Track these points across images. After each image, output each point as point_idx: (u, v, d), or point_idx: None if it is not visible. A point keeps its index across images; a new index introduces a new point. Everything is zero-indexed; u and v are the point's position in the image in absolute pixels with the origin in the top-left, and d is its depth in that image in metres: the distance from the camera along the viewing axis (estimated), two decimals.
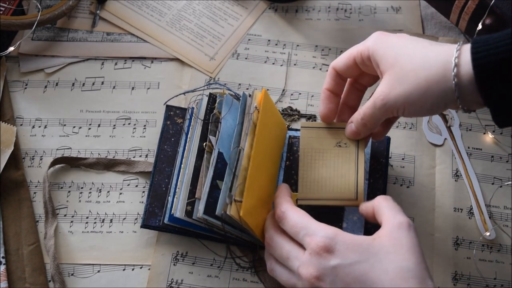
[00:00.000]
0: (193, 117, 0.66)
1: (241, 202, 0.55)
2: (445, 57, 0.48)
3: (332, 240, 0.48)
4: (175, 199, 0.62)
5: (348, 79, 0.61)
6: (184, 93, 0.72)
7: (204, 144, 0.63)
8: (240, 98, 0.63)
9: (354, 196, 0.59)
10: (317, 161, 0.61)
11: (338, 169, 0.60)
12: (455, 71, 0.47)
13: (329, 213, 0.62)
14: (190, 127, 0.66)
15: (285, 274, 0.53)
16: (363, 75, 0.59)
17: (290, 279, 0.53)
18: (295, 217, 0.53)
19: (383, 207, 0.52)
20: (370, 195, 0.64)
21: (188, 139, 0.65)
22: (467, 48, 0.47)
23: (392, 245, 0.47)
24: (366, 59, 0.54)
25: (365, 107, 0.55)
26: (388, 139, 0.67)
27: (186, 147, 0.65)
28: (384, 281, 0.46)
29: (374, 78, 0.59)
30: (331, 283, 0.47)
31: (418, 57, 0.50)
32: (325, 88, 0.60)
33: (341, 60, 0.58)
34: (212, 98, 0.65)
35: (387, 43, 0.53)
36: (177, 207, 0.61)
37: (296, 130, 0.69)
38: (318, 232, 0.49)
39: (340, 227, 0.62)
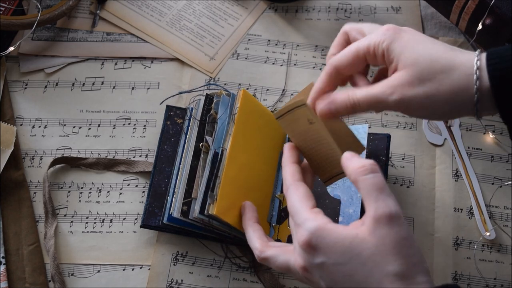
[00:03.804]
0: (191, 118, 0.66)
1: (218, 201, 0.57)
2: (468, 68, 0.47)
3: (314, 235, 0.45)
4: (173, 199, 0.63)
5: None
6: (179, 93, 0.72)
7: (201, 144, 0.63)
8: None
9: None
10: (306, 143, 0.56)
11: (323, 145, 0.55)
12: (477, 84, 0.46)
13: (325, 207, 0.63)
14: (189, 127, 0.66)
15: (281, 256, 0.52)
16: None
17: (287, 260, 0.52)
18: (292, 198, 0.51)
19: (362, 192, 0.47)
20: None
21: (186, 139, 0.65)
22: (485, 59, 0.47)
23: (375, 246, 0.44)
24: (380, 55, 0.51)
25: (364, 94, 0.50)
26: (389, 136, 0.67)
27: (184, 147, 0.65)
28: (372, 284, 0.43)
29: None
30: (320, 277, 0.46)
31: (442, 62, 0.48)
32: (319, 89, 0.54)
33: (346, 56, 0.53)
34: (209, 99, 0.66)
35: (404, 39, 0.50)
36: (175, 207, 0.61)
37: None
38: (303, 224, 0.47)
39: (336, 221, 0.62)
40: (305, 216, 0.48)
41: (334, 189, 0.64)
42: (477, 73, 0.46)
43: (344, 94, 0.51)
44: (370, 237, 0.44)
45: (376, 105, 0.50)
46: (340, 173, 0.55)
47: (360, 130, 0.64)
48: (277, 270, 0.54)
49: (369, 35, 0.52)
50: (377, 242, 0.44)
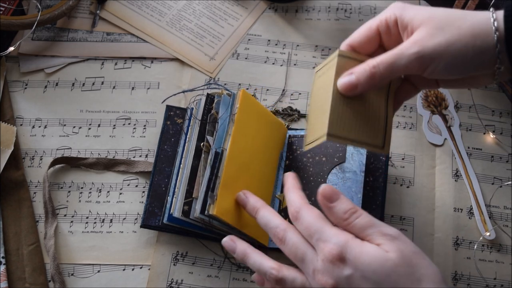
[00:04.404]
0: (191, 118, 0.66)
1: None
2: (484, 15, 0.48)
3: (343, 248, 0.46)
4: (174, 199, 0.63)
5: None
6: (183, 92, 0.72)
7: (202, 144, 0.63)
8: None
9: (381, 143, 0.54)
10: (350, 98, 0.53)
11: (369, 109, 0.53)
12: (495, 24, 0.46)
13: (320, 207, 0.63)
14: (189, 127, 0.66)
15: (299, 277, 0.51)
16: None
17: (305, 283, 0.50)
18: (309, 218, 0.49)
19: (358, 235, 0.48)
20: (370, 193, 0.64)
21: (187, 139, 0.65)
22: (501, 13, 0.48)
23: (396, 257, 0.45)
24: (393, 24, 0.52)
25: (382, 56, 0.50)
26: None
27: (185, 147, 0.65)
28: None
29: None
30: None
31: (456, 12, 0.48)
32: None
33: (360, 33, 0.54)
34: (210, 99, 0.66)
35: (414, 7, 0.51)
36: (175, 207, 0.61)
37: (296, 129, 0.69)
38: (331, 238, 0.47)
39: None
40: (331, 232, 0.48)
41: None
42: (494, 16, 0.47)
43: (362, 63, 0.51)
44: (391, 252, 0.46)
45: (396, 62, 0.49)
46: (318, 139, 0.53)
47: None
48: None
49: (380, 14, 0.53)
50: (397, 254, 0.45)
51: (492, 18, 0.47)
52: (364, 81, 0.50)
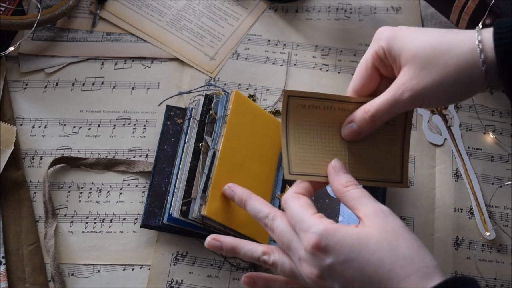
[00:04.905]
0: (191, 118, 0.66)
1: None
2: (471, 43, 0.47)
3: (322, 236, 0.46)
4: (173, 199, 0.63)
5: None
6: (180, 94, 0.72)
7: (200, 144, 0.63)
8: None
9: (399, 178, 0.56)
10: (364, 139, 0.55)
11: (383, 148, 0.55)
12: (482, 57, 0.46)
13: (325, 207, 0.63)
14: (189, 128, 0.66)
15: (287, 262, 0.51)
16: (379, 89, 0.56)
17: (293, 267, 0.51)
18: (294, 207, 0.50)
19: (349, 204, 0.49)
20: (370, 193, 0.64)
21: (186, 140, 0.65)
22: (488, 32, 0.47)
23: (379, 233, 0.45)
24: (384, 56, 0.52)
25: (378, 103, 0.51)
26: None
27: (184, 148, 0.65)
28: (383, 274, 0.44)
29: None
30: (333, 279, 0.46)
31: (442, 46, 0.48)
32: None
33: (360, 76, 0.54)
34: (208, 99, 0.66)
35: (400, 35, 0.51)
36: (175, 207, 0.61)
37: None
38: (309, 228, 0.47)
39: (336, 221, 0.62)
40: (310, 221, 0.48)
41: None
42: (480, 46, 0.47)
43: (360, 110, 0.53)
44: (373, 229, 0.46)
45: (393, 109, 0.51)
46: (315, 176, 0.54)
47: None
48: (283, 276, 0.53)
49: (369, 46, 0.53)
50: (380, 230, 0.45)
51: (479, 49, 0.47)
52: (367, 127, 0.53)
